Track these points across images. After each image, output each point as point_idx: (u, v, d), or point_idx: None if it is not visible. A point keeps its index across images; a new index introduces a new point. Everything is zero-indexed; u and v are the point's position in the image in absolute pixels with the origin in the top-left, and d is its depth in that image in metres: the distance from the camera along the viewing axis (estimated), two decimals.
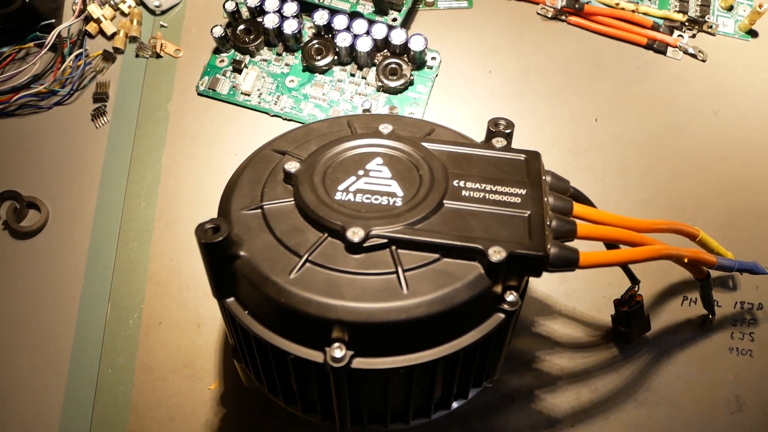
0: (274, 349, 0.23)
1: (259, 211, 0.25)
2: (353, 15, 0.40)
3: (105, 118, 0.41)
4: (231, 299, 0.25)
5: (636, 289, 0.31)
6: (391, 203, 0.25)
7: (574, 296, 0.36)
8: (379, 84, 0.40)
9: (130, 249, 0.38)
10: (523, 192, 0.25)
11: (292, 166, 0.26)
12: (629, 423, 0.34)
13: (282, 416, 0.34)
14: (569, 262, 0.23)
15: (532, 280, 0.36)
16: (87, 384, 0.35)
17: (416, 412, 0.26)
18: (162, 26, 0.43)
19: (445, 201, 0.25)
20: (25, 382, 0.35)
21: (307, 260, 0.23)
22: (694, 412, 0.34)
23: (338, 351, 0.22)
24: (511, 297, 0.24)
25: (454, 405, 0.27)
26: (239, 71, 0.41)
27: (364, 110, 0.39)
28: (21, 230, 0.38)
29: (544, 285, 0.36)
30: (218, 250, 0.23)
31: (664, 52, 0.41)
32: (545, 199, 0.25)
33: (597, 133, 0.40)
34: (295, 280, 0.22)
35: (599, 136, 0.40)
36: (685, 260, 0.28)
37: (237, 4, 0.41)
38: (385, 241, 0.23)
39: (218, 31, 0.40)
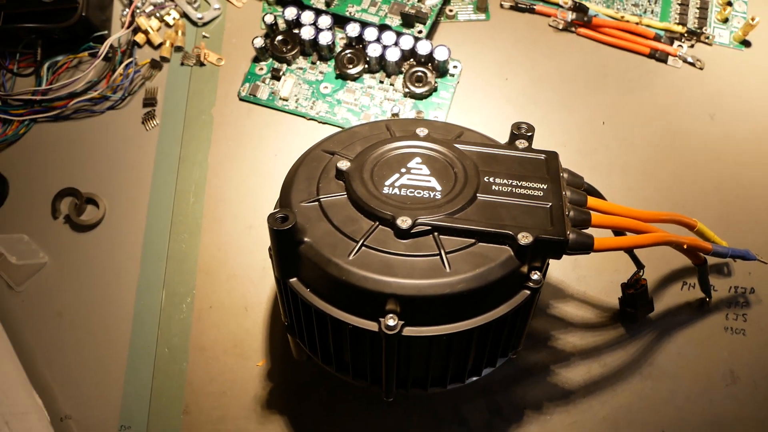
0: (334, 321, 0.27)
1: (317, 203, 0.29)
2: (382, 27, 0.44)
3: (154, 122, 0.45)
4: (294, 279, 0.28)
5: (641, 273, 0.35)
6: (431, 196, 0.28)
7: (585, 281, 0.40)
8: (406, 90, 0.44)
9: (182, 241, 0.42)
10: (545, 186, 0.29)
11: (344, 164, 0.30)
12: (635, 394, 0.38)
13: (324, 389, 0.38)
14: (586, 246, 0.27)
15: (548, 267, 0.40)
16: (146, 363, 0.39)
17: (452, 377, 0.30)
18: (204, 37, 0.47)
19: (478, 194, 0.29)
20: (89, 363, 0.39)
21: (363, 245, 0.27)
22: (693, 385, 0.38)
23: (392, 320, 0.26)
24: (535, 276, 0.28)
25: (485, 372, 0.31)
26: (278, 78, 0.45)
27: (393, 114, 0.43)
28: (81, 224, 0.42)
29: (558, 271, 0.40)
30: (286, 236, 0.27)
31: (665, 61, 0.45)
32: (564, 192, 0.29)
33: (604, 135, 0.44)
34: (353, 261, 0.26)
35: (606, 139, 0.44)
36: (684, 246, 0.31)
37: (275, 17, 0.45)
38: (429, 228, 0.27)
39: (259, 42, 0.44)
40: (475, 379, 0.31)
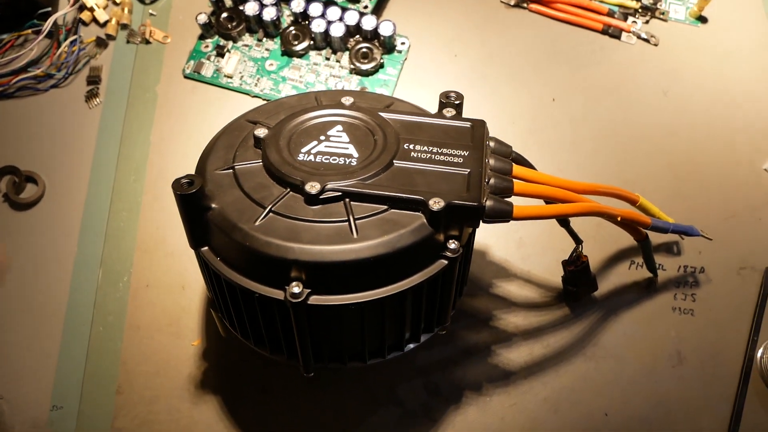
0: (242, 290, 0.26)
1: (231, 171, 0.28)
2: (327, 3, 0.43)
3: (98, 99, 0.44)
4: (205, 248, 0.28)
5: (580, 248, 0.34)
6: (347, 163, 0.28)
7: (529, 261, 0.39)
8: (352, 67, 0.43)
9: (120, 219, 0.41)
10: (466, 153, 0.28)
11: (261, 132, 0.29)
12: (578, 375, 0.37)
13: (259, 369, 0.37)
14: (503, 213, 0.26)
15: (490, 245, 0.39)
16: (80, 342, 0.38)
17: (372, 352, 0.29)
18: (151, 14, 0.46)
19: (395, 161, 0.28)
20: (22, 339, 0.38)
21: (270, 210, 0.26)
22: (638, 366, 0.37)
23: (296, 288, 0.25)
24: (453, 245, 0.27)
25: (408, 347, 0.30)
26: (222, 55, 0.44)
27: None
28: (20, 202, 0.41)
29: (502, 250, 0.39)
30: (192, 201, 0.26)
31: (618, 37, 0.44)
32: (486, 160, 0.28)
33: (554, 112, 0.43)
34: (259, 227, 0.25)
35: (557, 115, 0.43)
36: (618, 218, 0.30)
37: None
38: (339, 194, 0.26)
39: (203, 18, 0.43)
40: (397, 354, 0.30)
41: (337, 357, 0.29)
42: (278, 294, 0.25)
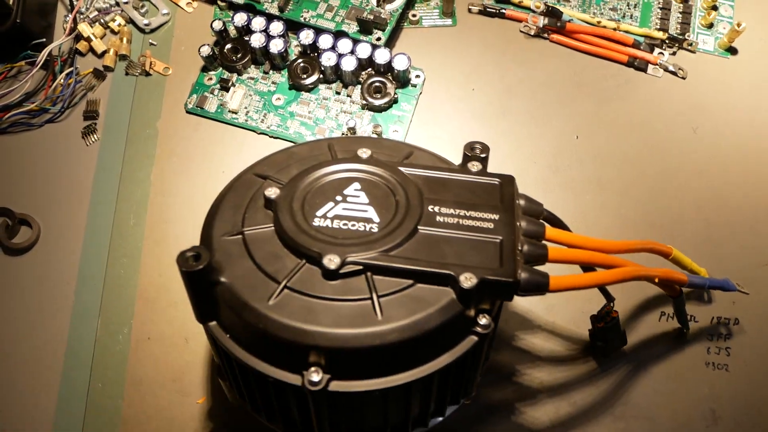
0: (255, 372, 0.24)
1: (240, 237, 0.26)
2: (338, 34, 0.41)
3: (95, 136, 0.41)
4: (213, 323, 0.25)
5: (611, 306, 0.32)
6: (367, 229, 0.25)
7: (554, 311, 0.37)
8: (364, 102, 0.40)
9: (120, 265, 0.39)
10: (496, 217, 0.26)
11: (273, 192, 0.27)
12: None
13: (268, 429, 0.35)
14: (539, 287, 0.24)
15: None
16: (78, 398, 0.36)
17: (394, 429, 0.27)
18: (151, 44, 0.44)
19: (419, 227, 0.25)
20: (16, 396, 0.36)
21: (285, 287, 0.24)
22: (670, 426, 0.35)
23: (315, 375, 0.23)
24: (483, 320, 0.25)
25: (432, 423, 0.28)
26: (227, 89, 0.41)
27: (349, 128, 0.40)
28: (13, 247, 0.39)
29: (524, 300, 0.37)
30: (199, 278, 0.24)
31: (644, 70, 0.42)
32: (517, 223, 0.26)
33: (577, 150, 0.41)
34: (273, 307, 0.23)
35: (580, 153, 0.41)
36: (656, 280, 0.28)
37: (224, 23, 0.42)
38: (361, 267, 0.24)
39: (206, 51, 0.41)
40: (421, 429, 0.28)
41: None
42: (295, 380, 0.23)
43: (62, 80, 0.42)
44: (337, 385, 0.23)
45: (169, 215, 0.40)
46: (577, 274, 0.26)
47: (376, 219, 0.26)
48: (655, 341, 0.36)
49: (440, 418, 0.28)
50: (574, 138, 0.41)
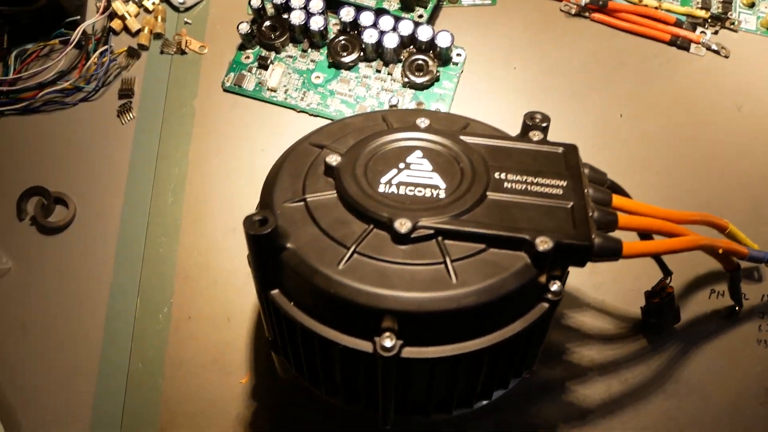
0: (322, 340, 0.23)
1: (303, 203, 0.25)
2: (379, 11, 0.40)
3: (131, 114, 0.41)
4: (276, 291, 0.25)
5: (668, 280, 0.32)
6: (434, 195, 0.25)
7: (603, 289, 0.36)
8: (405, 80, 0.40)
9: (159, 244, 0.38)
10: (564, 183, 0.25)
11: (334, 159, 0.26)
12: (659, 414, 0.34)
13: (314, 408, 0.34)
14: (613, 252, 0.24)
15: None
16: (118, 379, 0.35)
17: (459, 402, 0.26)
18: (186, 23, 0.43)
19: (488, 193, 0.25)
20: (55, 379, 0.35)
21: (354, 251, 0.23)
22: (723, 404, 0.34)
23: (388, 340, 0.22)
24: (555, 287, 0.24)
25: (495, 395, 0.27)
26: (265, 67, 0.41)
27: (391, 106, 0.39)
28: (49, 226, 0.38)
29: (573, 278, 0.36)
30: (266, 242, 0.23)
31: (687, 49, 0.42)
32: (586, 190, 0.26)
33: (621, 129, 0.40)
34: (344, 271, 0.23)
35: (623, 132, 0.40)
36: (720, 251, 0.28)
37: (263, 0, 0.41)
38: (432, 232, 0.23)
39: (244, 28, 0.40)
40: (484, 402, 0.27)
41: (420, 409, 0.26)
42: (366, 346, 0.23)
43: (96, 59, 0.42)
44: (409, 352, 0.22)
45: (207, 194, 0.39)
46: (650, 241, 0.26)
47: (443, 185, 0.25)
48: (706, 319, 0.36)
49: (503, 391, 0.27)
50: (618, 117, 0.40)
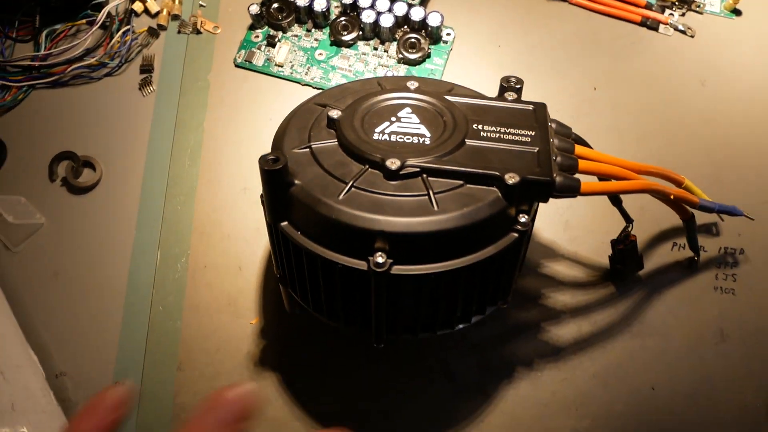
0: (324, 262, 0.27)
1: (308, 150, 0.29)
2: None
3: (151, 87, 0.45)
4: (285, 223, 0.29)
5: (630, 228, 0.36)
6: (421, 142, 0.29)
7: (576, 242, 0.40)
8: (400, 56, 0.44)
9: (177, 203, 0.42)
10: (533, 133, 0.29)
11: (335, 113, 0.30)
12: (625, 352, 0.38)
13: (316, 346, 0.38)
14: (572, 189, 0.28)
15: (538, 227, 0.41)
16: (140, 322, 0.39)
17: (442, 322, 0.30)
18: (201, 5, 0.48)
19: (466, 140, 0.29)
20: (84, 321, 0.40)
21: (352, 186, 0.27)
22: (683, 343, 0.38)
23: (380, 258, 0.26)
24: (523, 219, 0.28)
25: (474, 319, 0.31)
26: (273, 45, 0.45)
27: None
28: (78, 186, 0.42)
29: (550, 232, 0.41)
30: (277, 178, 0.27)
31: (656, 29, 0.46)
32: (551, 140, 0.30)
33: (596, 101, 0.45)
34: (343, 201, 0.27)
35: (598, 104, 0.44)
36: (672, 197, 0.32)
37: None
38: (418, 169, 0.28)
39: (254, 9, 0.45)
40: (464, 326, 0.31)
41: (408, 328, 0.30)
42: (361, 264, 0.27)
43: (119, 38, 0.46)
44: (398, 269, 0.27)
45: (220, 158, 0.44)
46: (605, 182, 0.30)
47: (428, 134, 0.29)
48: (669, 268, 0.40)
49: (481, 316, 0.31)
50: (593, 90, 0.44)
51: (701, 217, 0.40)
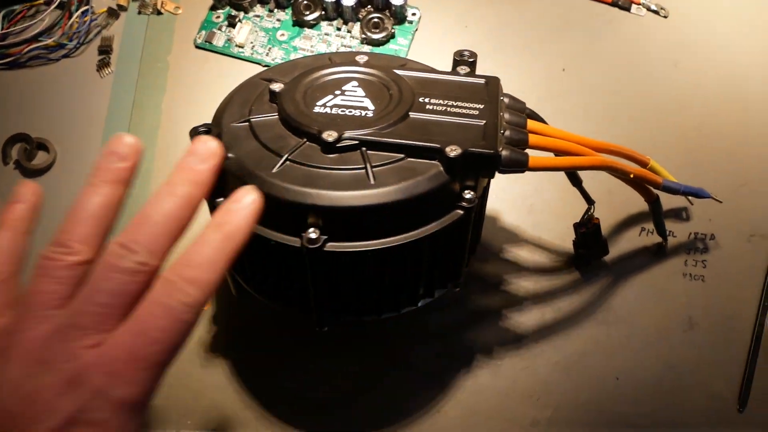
0: (258, 239, 0.26)
1: (247, 123, 0.28)
2: None
3: (109, 69, 0.44)
4: (221, 199, 0.28)
5: (592, 210, 0.34)
6: (363, 115, 0.28)
7: (540, 227, 0.39)
8: (363, 37, 0.43)
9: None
10: (481, 107, 0.28)
11: (277, 86, 0.29)
12: (590, 339, 0.37)
13: (268, 332, 0.37)
14: (519, 163, 0.26)
15: (501, 211, 0.40)
16: None
17: (386, 305, 0.29)
18: None
19: (410, 113, 0.28)
20: None
21: (287, 159, 0.26)
22: (649, 330, 0.37)
23: (313, 234, 0.25)
24: (468, 195, 0.27)
25: (421, 303, 0.30)
26: (234, 26, 0.44)
27: None
28: (31, 168, 0.41)
29: (513, 216, 0.39)
30: None
31: (628, 9, 0.44)
32: (501, 113, 0.28)
33: (565, 82, 0.43)
34: (276, 174, 0.26)
35: (568, 85, 0.43)
36: (631, 176, 0.30)
37: None
38: (356, 142, 0.26)
39: None
40: (411, 308, 0.30)
41: (351, 310, 0.29)
42: (294, 241, 0.25)
43: (78, 18, 0.45)
44: (332, 246, 0.25)
45: (178, 140, 0.42)
46: (555, 157, 0.28)
47: (371, 107, 0.28)
48: (636, 254, 0.38)
49: (429, 299, 0.30)
50: (561, 71, 0.43)
51: (671, 202, 0.39)
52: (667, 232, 0.38)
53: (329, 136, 0.26)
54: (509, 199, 0.40)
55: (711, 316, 0.37)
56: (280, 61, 0.43)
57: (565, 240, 0.39)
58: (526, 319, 0.37)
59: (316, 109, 0.28)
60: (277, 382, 0.36)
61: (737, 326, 0.36)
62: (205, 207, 0.30)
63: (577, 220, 0.37)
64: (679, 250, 0.38)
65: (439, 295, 0.30)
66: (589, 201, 0.34)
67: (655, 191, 0.33)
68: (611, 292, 0.38)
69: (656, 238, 0.38)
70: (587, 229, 0.35)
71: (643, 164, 0.34)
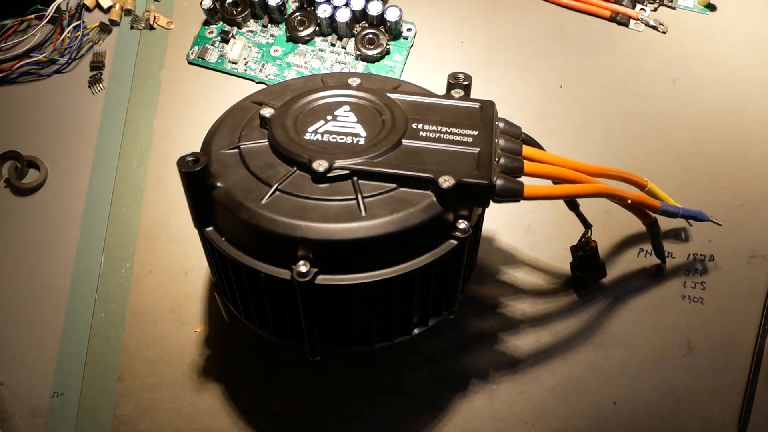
0: (248, 270, 0.26)
1: (236, 150, 0.28)
2: None
3: (101, 85, 0.43)
4: (210, 228, 0.27)
5: (589, 234, 0.34)
6: (354, 142, 0.27)
7: (537, 248, 0.39)
8: (358, 53, 0.42)
9: (124, 205, 0.41)
10: (475, 133, 0.28)
11: (267, 111, 0.28)
12: (586, 364, 0.36)
13: (262, 356, 0.37)
14: (514, 193, 0.26)
15: (497, 232, 0.39)
16: (81, 329, 0.38)
17: (379, 336, 0.29)
18: (155, 0, 0.46)
19: (403, 140, 0.27)
20: (24, 326, 0.38)
21: (277, 189, 0.26)
22: (648, 354, 0.36)
23: (303, 267, 0.24)
24: (462, 225, 0.26)
25: (415, 331, 0.29)
26: (227, 41, 0.43)
27: None
28: (22, 187, 0.41)
29: (509, 237, 0.39)
30: (197, 179, 0.25)
31: (626, 25, 0.44)
32: (495, 140, 0.28)
33: (562, 99, 0.43)
34: (265, 205, 0.25)
35: (564, 102, 0.42)
36: (629, 201, 0.30)
37: None
38: (347, 172, 0.26)
39: (207, 4, 0.43)
40: (404, 338, 0.29)
41: (343, 340, 0.28)
42: (284, 274, 0.25)
43: (70, 33, 0.44)
44: (323, 279, 0.25)
45: (170, 158, 0.42)
46: (551, 186, 0.28)
47: (363, 134, 0.28)
48: (634, 276, 0.38)
49: (424, 328, 0.29)
50: (558, 88, 0.43)
51: (670, 222, 0.38)
52: (666, 254, 0.37)
53: (319, 165, 0.25)
54: (505, 219, 0.39)
55: (710, 340, 0.36)
56: (273, 78, 0.43)
57: (563, 261, 0.38)
58: (522, 342, 0.36)
59: (307, 136, 0.27)
60: (269, 407, 0.35)
61: (736, 350, 0.36)
62: (195, 235, 0.29)
63: (573, 241, 0.37)
64: (678, 272, 0.38)
65: (434, 323, 0.30)
66: (587, 225, 0.33)
67: (654, 215, 0.33)
68: (609, 314, 0.37)
69: (655, 260, 0.38)
70: (584, 253, 0.34)
71: (642, 187, 0.34)
